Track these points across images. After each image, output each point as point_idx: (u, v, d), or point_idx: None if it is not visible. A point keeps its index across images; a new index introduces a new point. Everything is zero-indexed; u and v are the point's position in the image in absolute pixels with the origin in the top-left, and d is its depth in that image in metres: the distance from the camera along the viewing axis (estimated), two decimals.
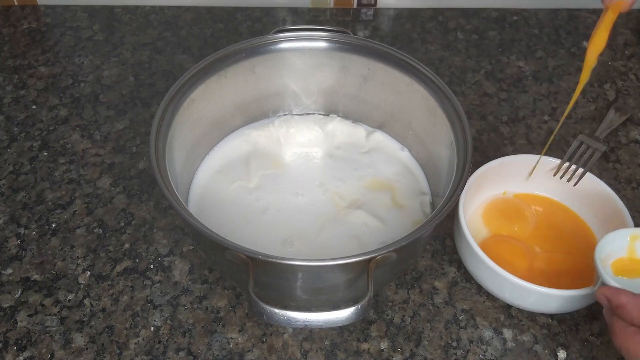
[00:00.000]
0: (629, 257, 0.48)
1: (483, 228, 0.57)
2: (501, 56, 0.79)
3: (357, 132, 0.65)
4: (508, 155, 0.57)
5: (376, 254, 0.44)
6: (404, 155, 0.64)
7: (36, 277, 0.56)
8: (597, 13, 0.86)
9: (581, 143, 0.57)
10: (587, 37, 0.81)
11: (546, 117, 0.71)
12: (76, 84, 0.74)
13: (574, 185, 0.56)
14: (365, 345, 0.52)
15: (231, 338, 0.52)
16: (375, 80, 0.61)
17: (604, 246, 0.48)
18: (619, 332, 0.42)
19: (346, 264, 0.44)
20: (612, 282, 0.45)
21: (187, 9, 0.84)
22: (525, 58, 0.79)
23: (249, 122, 0.65)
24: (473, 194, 0.56)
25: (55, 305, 0.54)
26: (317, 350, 0.51)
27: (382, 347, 0.52)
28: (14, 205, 0.61)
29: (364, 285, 0.44)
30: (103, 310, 0.53)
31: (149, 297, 0.54)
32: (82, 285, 0.55)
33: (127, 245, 0.58)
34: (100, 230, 0.59)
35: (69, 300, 0.54)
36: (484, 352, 0.51)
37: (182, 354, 0.51)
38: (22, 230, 0.59)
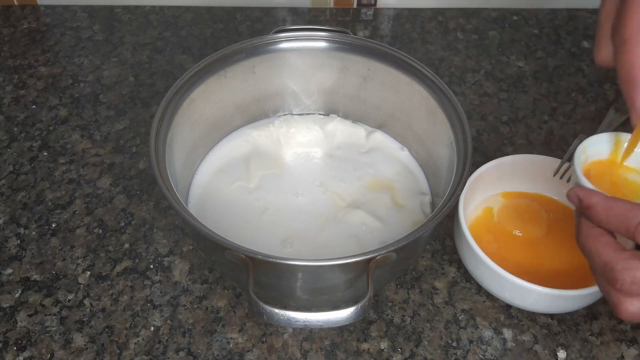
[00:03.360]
0: (609, 160, 0.48)
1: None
2: (501, 56, 0.79)
3: (357, 132, 0.65)
4: (508, 155, 0.57)
5: (376, 254, 0.44)
6: (404, 155, 0.64)
7: (36, 277, 0.56)
8: (596, 13, 0.85)
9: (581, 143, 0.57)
10: (587, 37, 0.82)
11: (546, 117, 0.71)
12: (76, 84, 0.74)
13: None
14: (365, 345, 0.52)
15: (231, 338, 0.52)
16: (375, 80, 0.61)
17: (585, 148, 0.47)
18: (584, 232, 0.42)
19: (346, 264, 0.44)
20: (587, 183, 0.44)
21: (187, 9, 0.84)
22: (525, 58, 0.79)
23: (249, 122, 0.65)
24: (473, 194, 0.56)
25: (55, 305, 0.54)
26: (317, 350, 0.51)
27: (382, 347, 0.52)
28: (14, 205, 0.61)
29: (364, 285, 0.44)
30: (103, 310, 0.53)
31: (148, 297, 0.54)
32: (82, 285, 0.55)
33: (127, 245, 0.58)
34: (100, 230, 0.59)
35: (69, 300, 0.54)
36: (484, 352, 0.51)
37: (182, 354, 0.51)
38: (22, 230, 0.59)
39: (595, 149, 0.48)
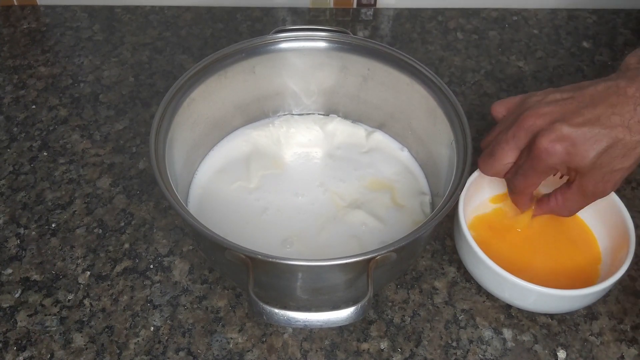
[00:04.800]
0: None
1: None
2: (501, 56, 0.79)
3: (357, 132, 0.65)
4: None
5: (376, 254, 0.44)
6: (404, 155, 0.64)
7: (36, 277, 0.56)
8: (597, 13, 0.86)
9: None
10: (587, 37, 0.82)
11: None
12: (76, 84, 0.74)
13: None
14: (365, 345, 0.52)
15: (231, 338, 0.52)
16: (375, 80, 0.61)
17: None
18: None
19: (346, 264, 0.44)
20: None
21: (187, 9, 0.84)
22: (525, 58, 0.79)
23: (249, 122, 0.65)
24: (473, 194, 0.56)
25: (55, 305, 0.54)
26: (317, 350, 0.51)
27: (382, 347, 0.52)
28: (14, 205, 0.61)
29: (363, 285, 0.44)
30: (103, 310, 0.53)
31: (148, 297, 0.54)
32: (82, 285, 0.55)
33: (127, 245, 0.58)
34: (100, 230, 0.59)
35: (69, 300, 0.54)
36: (484, 352, 0.51)
37: (182, 354, 0.51)
38: (22, 230, 0.59)
39: None
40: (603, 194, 0.49)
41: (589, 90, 0.47)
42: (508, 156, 0.50)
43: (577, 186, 0.49)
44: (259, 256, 0.43)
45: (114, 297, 0.54)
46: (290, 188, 0.60)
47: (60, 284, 0.55)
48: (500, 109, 0.53)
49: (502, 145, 0.50)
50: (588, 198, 0.50)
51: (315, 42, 0.60)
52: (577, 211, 0.52)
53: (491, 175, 0.52)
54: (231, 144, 0.64)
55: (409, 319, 0.53)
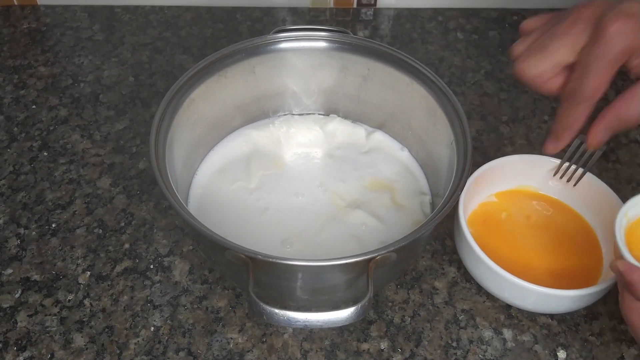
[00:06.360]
0: None
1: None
2: (501, 56, 0.79)
3: (357, 132, 0.65)
4: (508, 155, 0.57)
5: (376, 254, 0.44)
6: (404, 155, 0.64)
7: (36, 277, 0.56)
8: None
9: (581, 143, 0.57)
10: None
11: (546, 117, 0.71)
12: (76, 84, 0.74)
13: (574, 185, 0.56)
14: (365, 346, 0.52)
15: (231, 338, 0.52)
16: (375, 80, 0.61)
17: (627, 210, 0.46)
18: (627, 305, 0.43)
19: (346, 264, 0.44)
20: (629, 257, 0.44)
21: (187, 9, 0.84)
22: None
23: (249, 122, 0.65)
24: (473, 194, 0.56)
25: (55, 306, 0.54)
26: (317, 350, 0.51)
27: (382, 347, 0.52)
28: (14, 205, 0.61)
29: (364, 285, 0.44)
30: (103, 310, 0.53)
31: (149, 297, 0.54)
32: (82, 286, 0.55)
33: (127, 245, 0.58)
34: (100, 230, 0.59)
35: (69, 301, 0.54)
36: (484, 352, 0.51)
37: (182, 354, 0.51)
38: (22, 230, 0.59)
39: (638, 209, 0.47)
40: None
41: None
42: (564, 52, 0.42)
43: None
44: (259, 256, 0.43)
45: (114, 297, 0.54)
46: (290, 188, 0.60)
47: (61, 284, 0.55)
48: (532, 23, 0.44)
49: (558, 35, 0.41)
50: None
51: (315, 42, 0.60)
52: None
53: (532, 79, 0.43)
54: (231, 144, 0.64)
55: (409, 319, 0.53)
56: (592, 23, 0.41)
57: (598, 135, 0.46)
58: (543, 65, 0.42)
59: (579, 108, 0.44)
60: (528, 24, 0.44)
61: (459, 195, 0.49)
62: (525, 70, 0.43)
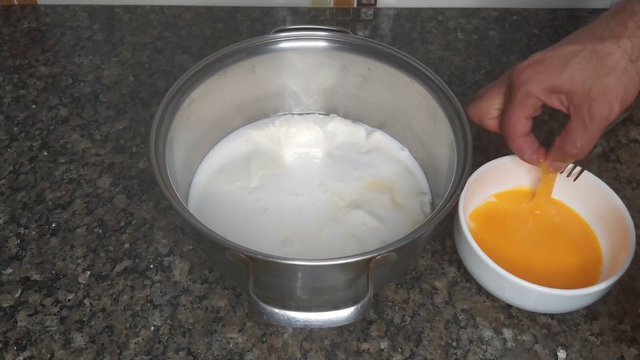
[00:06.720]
0: None
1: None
2: (501, 56, 0.79)
3: (357, 132, 0.65)
4: (508, 155, 0.57)
5: (376, 254, 0.44)
6: (404, 155, 0.64)
7: (36, 277, 0.56)
8: (597, 13, 0.86)
9: None
10: None
11: (546, 117, 0.71)
12: (76, 84, 0.74)
13: (574, 180, 0.56)
14: (365, 345, 0.52)
15: (231, 338, 0.52)
16: (375, 80, 0.61)
17: None
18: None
19: (346, 264, 0.44)
20: None
21: (187, 8, 0.84)
22: (525, 58, 0.79)
23: (249, 122, 0.65)
24: (473, 194, 0.56)
25: (55, 305, 0.54)
26: (317, 350, 0.51)
27: (382, 347, 0.52)
28: (14, 205, 0.61)
29: (364, 285, 0.44)
30: (103, 310, 0.53)
31: (149, 297, 0.54)
32: (82, 285, 0.55)
33: (127, 245, 0.58)
34: (100, 230, 0.59)
35: (69, 300, 0.54)
36: (484, 352, 0.51)
37: (182, 353, 0.51)
38: (22, 230, 0.59)
39: None
40: (601, 116, 0.46)
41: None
42: (493, 96, 0.51)
43: (572, 112, 0.47)
44: (259, 256, 0.43)
45: (114, 297, 0.54)
46: (290, 188, 0.60)
47: (61, 283, 0.55)
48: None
49: (491, 87, 0.52)
50: (588, 123, 0.46)
51: (316, 41, 0.60)
52: (587, 145, 0.48)
53: (477, 119, 0.53)
54: (231, 144, 0.64)
55: (409, 318, 0.53)
56: (511, 73, 0.50)
57: (552, 167, 0.53)
58: (480, 109, 0.53)
59: (515, 142, 0.52)
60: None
61: (459, 195, 0.49)
62: (470, 113, 0.54)
